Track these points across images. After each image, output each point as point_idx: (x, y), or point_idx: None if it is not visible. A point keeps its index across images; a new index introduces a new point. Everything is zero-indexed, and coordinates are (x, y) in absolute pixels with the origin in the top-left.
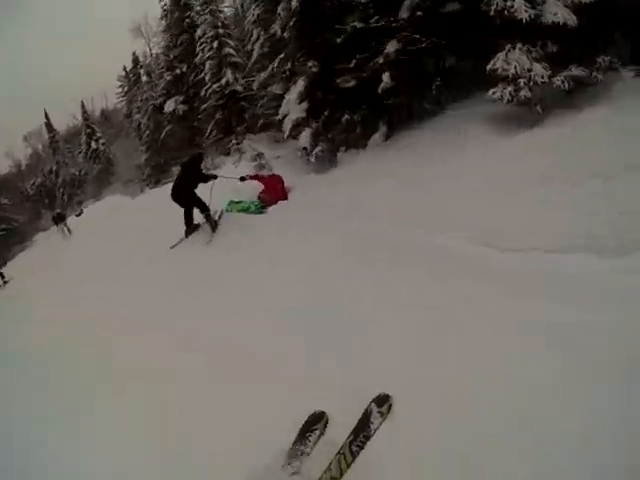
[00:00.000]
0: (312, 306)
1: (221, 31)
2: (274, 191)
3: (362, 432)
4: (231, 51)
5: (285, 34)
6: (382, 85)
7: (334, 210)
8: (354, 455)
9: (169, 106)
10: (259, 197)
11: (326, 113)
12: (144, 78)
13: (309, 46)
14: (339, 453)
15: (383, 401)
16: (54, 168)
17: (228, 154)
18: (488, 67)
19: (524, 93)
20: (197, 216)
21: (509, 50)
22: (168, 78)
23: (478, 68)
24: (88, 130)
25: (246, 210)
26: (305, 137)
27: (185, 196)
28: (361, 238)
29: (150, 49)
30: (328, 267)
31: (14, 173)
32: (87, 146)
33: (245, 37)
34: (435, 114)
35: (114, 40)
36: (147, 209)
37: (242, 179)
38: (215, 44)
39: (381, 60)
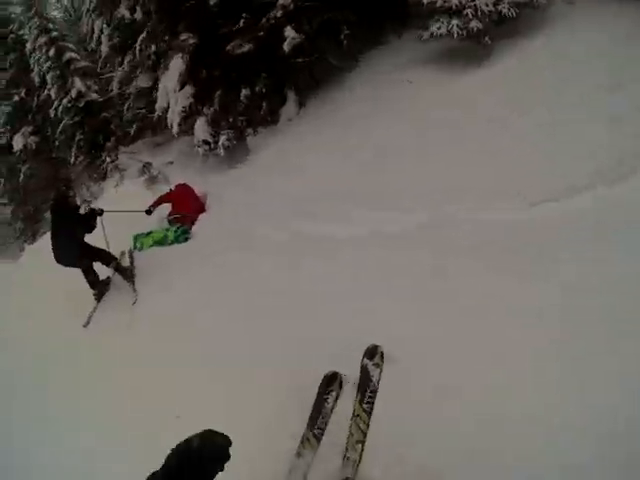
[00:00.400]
0: None
1: (55, 34)
2: (187, 206)
3: (367, 388)
4: (73, 55)
5: (136, 15)
6: (288, 42)
7: (273, 211)
8: (368, 412)
9: (18, 142)
10: (171, 220)
11: (218, 93)
12: None
13: (177, 15)
14: (354, 416)
15: (373, 352)
16: None
17: (104, 177)
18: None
19: (475, 24)
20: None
21: None
22: (7, 110)
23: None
24: None
25: (162, 242)
26: (201, 128)
27: (74, 253)
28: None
29: None
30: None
31: None
32: None
33: (85, 37)
34: (352, 69)
35: None
36: (39, 271)
37: (148, 212)
38: (52, 51)
39: (279, 13)
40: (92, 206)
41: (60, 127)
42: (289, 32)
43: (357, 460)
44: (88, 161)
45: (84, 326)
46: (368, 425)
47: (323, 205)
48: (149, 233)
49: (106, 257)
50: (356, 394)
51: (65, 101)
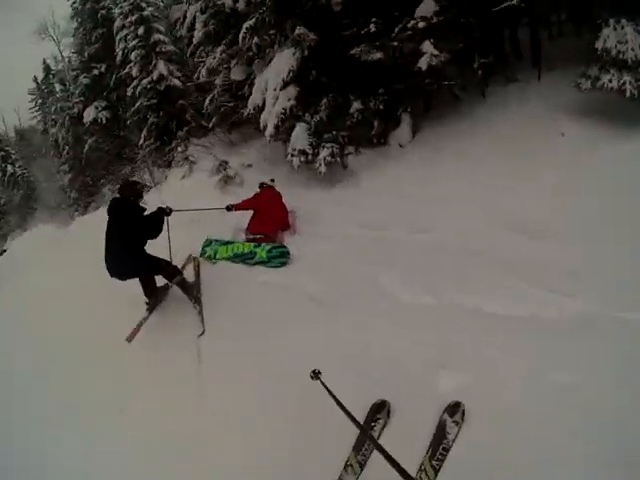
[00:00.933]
0: None
1: (147, 13)
2: (273, 218)
3: (440, 445)
4: (162, 37)
5: (238, 4)
6: (425, 58)
7: (402, 260)
8: (436, 469)
9: (89, 115)
10: (251, 234)
11: (325, 100)
12: (57, 86)
13: (294, 9)
14: (420, 470)
15: (455, 409)
16: None
17: (169, 165)
18: (598, 46)
19: None
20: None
21: (616, 26)
22: (85, 82)
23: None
24: (2, 153)
25: (246, 258)
26: (300, 136)
27: (132, 264)
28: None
29: (61, 52)
30: None
31: None
32: (2, 172)
33: (175, 24)
34: (479, 103)
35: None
36: (86, 250)
37: (229, 209)
38: (141, 30)
39: (420, 24)
40: (161, 205)
41: (135, 107)
42: (428, 48)
43: None
44: (157, 145)
45: (127, 341)
46: None
47: (466, 266)
48: (228, 242)
49: (169, 270)
50: (427, 448)
51: (145, 82)
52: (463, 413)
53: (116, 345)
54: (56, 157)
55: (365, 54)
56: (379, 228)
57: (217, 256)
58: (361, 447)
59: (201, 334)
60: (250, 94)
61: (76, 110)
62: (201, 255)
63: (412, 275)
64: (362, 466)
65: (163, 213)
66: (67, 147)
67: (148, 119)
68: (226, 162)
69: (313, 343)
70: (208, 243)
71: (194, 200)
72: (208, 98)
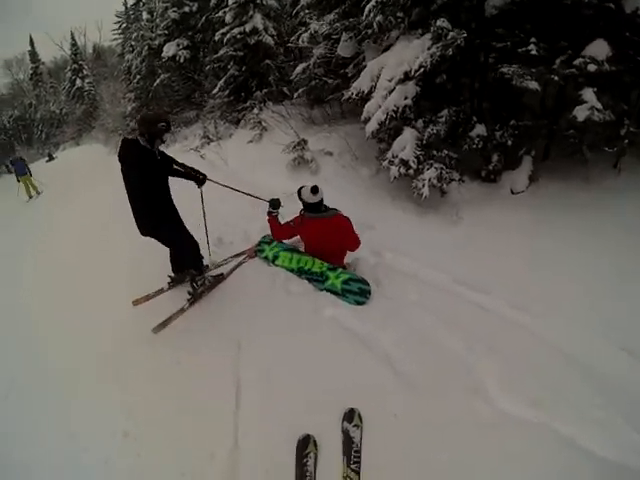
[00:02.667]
0: None
1: None
2: (338, 255)
3: (351, 450)
4: None
5: None
6: (584, 109)
7: None
8: (357, 472)
9: (169, 50)
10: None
11: (446, 113)
12: (145, 15)
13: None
14: (345, 477)
15: (351, 415)
16: (34, 102)
17: (237, 123)
18: None
19: None
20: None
21: None
22: (173, 16)
23: None
24: (75, 65)
25: (312, 277)
26: (407, 144)
27: (148, 224)
28: None
29: None
30: None
31: None
32: (71, 83)
33: None
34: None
35: None
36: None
37: (274, 205)
38: None
39: (591, 67)
40: (195, 167)
41: (218, 54)
42: (590, 97)
43: None
44: (230, 100)
45: (133, 304)
46: None
47: (566, 379)
48: (293, 250)
49: (190, 254)
50: (342, 458)
51: (236, 31)
52: (359, 416)
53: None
54: (125, 83)
55: (519, 78)
56: (478, 289)
57: (277, 262)
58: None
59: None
60: (354, 76)
61: (157, 42)
62: (256, 251)
63: (512, 374)
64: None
65: (196, 179)
66: (138, 76)
67: (228, 70)
68: (305, 141)
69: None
70: (269, 241)
71: (257, 171)
72: (301, 66)
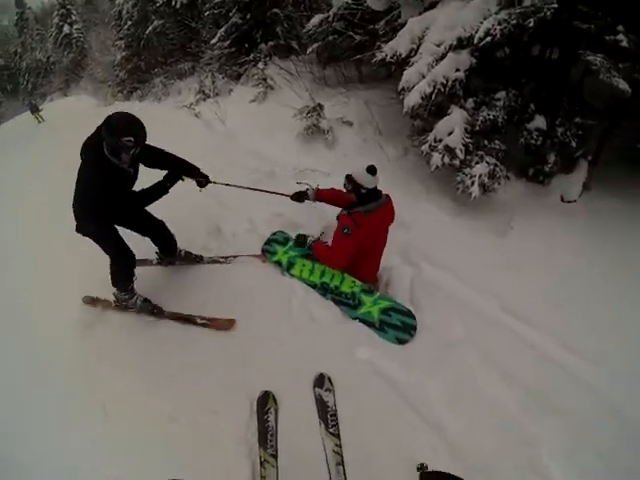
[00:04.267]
0: None
1: None
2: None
3: (327, 414)
4: None
5: None
6: None
7: None
8: (336, 435)
9: None
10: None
11: (504, 95)
12: None
13: None
14: (324, 442)
15: (321, 380)
16: (19, 50)
17: (238, 78)
18: None
19: None
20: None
21: None
22: None
23: None
24: (62, 10)
25: (335, 293)
26: (454, 127)
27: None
28: None
29: None
30: None
31: None
32: (59, 30)
33: None
34: None
35: None
36: None
37: (299, 198)
38: None
39: None
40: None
41: None
42: None
43: None
44: (231, 51)
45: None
46: (341, 446)
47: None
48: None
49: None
50: (319, 424)
51: None
52: (329, 380)
53: None
54: (115, 30)
55: (606, 72)
56: (531, 323)
57: (292, 271)
58: (266, 440)
59: None
60: (386, 33)
61: None
62: (264, 250)
63: (584, 458)
64: (276, 457)
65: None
66: (129, 22)
67: (230, 17)
68: (321, 107)
69: None
70: (283, 241)
71: (261, 137)
72: (318, 17)
